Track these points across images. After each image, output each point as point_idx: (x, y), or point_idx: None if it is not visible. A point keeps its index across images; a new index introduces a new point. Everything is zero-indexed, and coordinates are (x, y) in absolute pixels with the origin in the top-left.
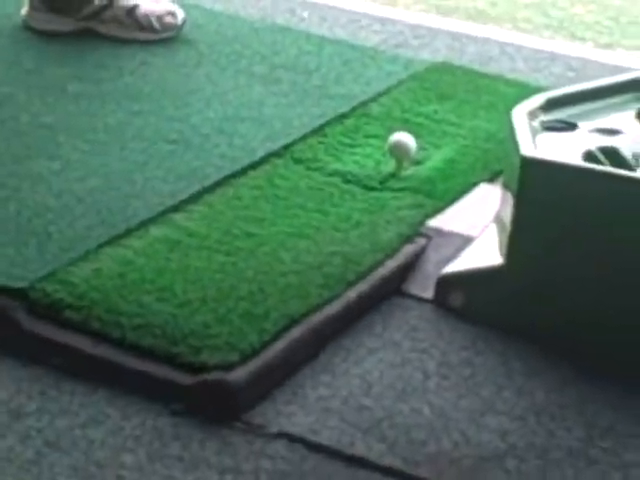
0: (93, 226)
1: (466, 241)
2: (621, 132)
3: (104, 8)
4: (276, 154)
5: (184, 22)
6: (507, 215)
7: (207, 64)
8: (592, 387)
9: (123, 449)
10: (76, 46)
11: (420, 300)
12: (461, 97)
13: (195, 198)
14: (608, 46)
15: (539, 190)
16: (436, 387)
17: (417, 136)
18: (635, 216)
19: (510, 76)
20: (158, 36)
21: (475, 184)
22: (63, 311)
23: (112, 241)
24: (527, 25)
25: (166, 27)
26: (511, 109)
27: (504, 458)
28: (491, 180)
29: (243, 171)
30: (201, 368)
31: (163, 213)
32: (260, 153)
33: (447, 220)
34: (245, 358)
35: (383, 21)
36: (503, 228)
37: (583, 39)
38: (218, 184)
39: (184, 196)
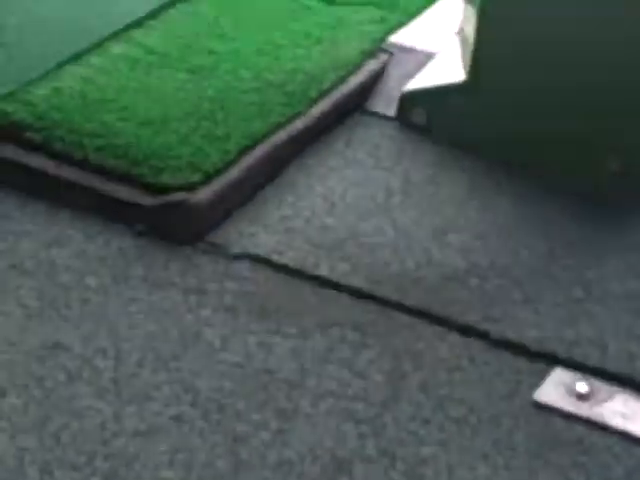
0: (53, 45)
1: (429, 57)
2: None
3: None
4: None
5: None
6: (470, 30)
7: None
8: (556, 205)
9: (87, 271)
10: None
11: (383, 117)
12: None
13: (155, 14)
14: None
15: (502, 3)
16: (399, 205)
17: None
18: (600, 30)
19: None
20: None
21: None
22: (24, 132)
23: (72, 59)
24: None
25: None
26: None
27: (467, 277)
28: None
29: None
30: (164, 189)
31: (124, 30)
32: None
33: (410, 35)
34: (208, 178)
35: None
36: (466, 43)
37: None
38: None
39: (144, 12)
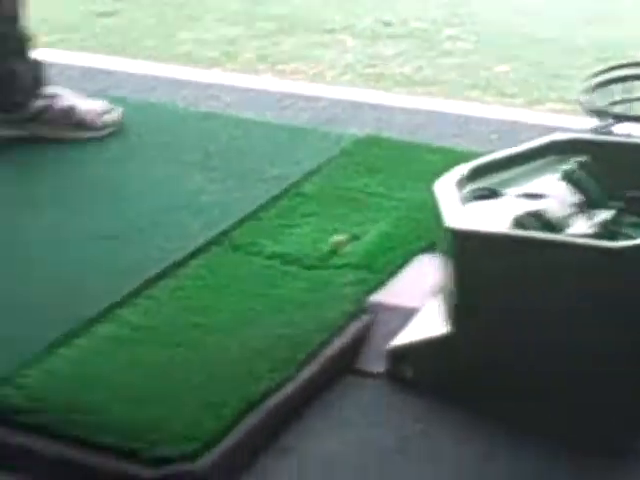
0: (40, 328)
1: (410, 313)
2: (547, 195)
3: (41, 112)
4: (215, 242)
5: (122, 116)
6: (449, 283)
7: (138, 156)
8: (553, 455)
9: None
10: (3, 152)
11: (372, 375)
12: (389, 169)
13: (138, 292)
14: (537, 101)
15: (473, 259)
16: (395, 462)
17: (351, 211)
18: (568, 278)
19: (437, 143)
20: (100, 133)
21: (413, 254)
22: (17, 415)
23: (60, 342)
24: (454, 87)
25: (107, 123)
26: (437, 177)
27: None
28: (428, 249)
29: (183, 261)
30: (163, 461)
31: (108, 310)
32: (199, 242)
33: (389, 294)
34: (206, 446)
35: (308, 99)
36: (446, 296)
37: (512, 96)
38: (159, 276)
39: (127, 291)
